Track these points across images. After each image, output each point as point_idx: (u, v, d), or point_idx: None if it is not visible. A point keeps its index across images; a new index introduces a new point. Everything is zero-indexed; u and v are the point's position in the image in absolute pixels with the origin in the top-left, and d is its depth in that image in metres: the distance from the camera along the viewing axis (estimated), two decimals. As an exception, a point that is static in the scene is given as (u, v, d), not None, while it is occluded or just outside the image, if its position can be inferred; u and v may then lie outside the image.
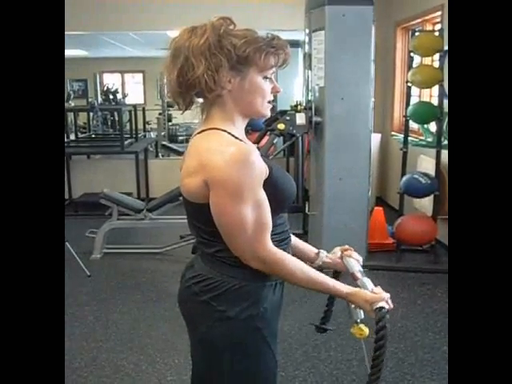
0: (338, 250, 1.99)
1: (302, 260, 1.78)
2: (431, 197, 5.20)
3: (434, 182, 5.08)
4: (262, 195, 1.58)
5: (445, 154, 5.13)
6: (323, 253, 1.97)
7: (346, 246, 1.99)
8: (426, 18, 6.02)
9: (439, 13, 5.50)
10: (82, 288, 4.58)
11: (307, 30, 5.18)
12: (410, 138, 5.53)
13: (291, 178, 1.79)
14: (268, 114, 1.72)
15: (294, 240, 1.93)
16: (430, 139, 5.37)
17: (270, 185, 1.60)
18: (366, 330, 1.69)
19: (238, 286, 1.67)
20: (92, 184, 7.14)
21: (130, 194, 6.55)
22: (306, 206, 5.50)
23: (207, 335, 1.72)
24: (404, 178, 5.29)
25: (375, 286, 1.72)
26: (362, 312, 1.69)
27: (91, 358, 3.50)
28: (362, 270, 1.86)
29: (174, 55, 1.60)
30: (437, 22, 5.85)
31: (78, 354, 3.49)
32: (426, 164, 5.55)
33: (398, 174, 5.66)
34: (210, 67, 1.55)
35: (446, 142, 5.13)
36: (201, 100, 1.67)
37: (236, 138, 1.61)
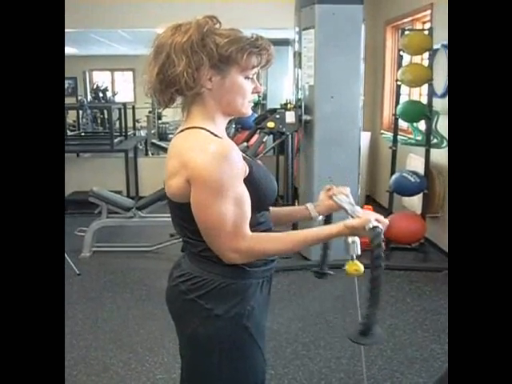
0: (322, 194, 1.96)
1: (297, 221, 1.78)
2: (420, 195, 5.22)
3: (423, 180, 5.10)
4: (242, 190, 1.58)
5: (434, 152, 5.16)
6: (311, 205, 1.96)
7: (327, 186, 1.96)
8: (416, 16, 6.04)
9: (428, 12, 5.52)
10: (71, 286, 4.56)
11: (297, 29, 5.19)
12: (399, 137, 5.55)
13: (272, 177, 1.79)
14: (249, 113, 1.72)
15: (278, 210, 1.94)
16: (419, 138, 5.39)
17: (249, 183, 1.61)
18: (362, 267, 1.69)
19: (225, 284, 1.67)
20: (81, 182, 7.10)
21: (119, 193, 6.52)
22: (296, 204, 5.51)
23: (195, 333, 1.72)
24: (393, 177, 5.31)
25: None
26: (358, 248, 1.69)
27: (80, 357, 3.49)
28: (350, 200, 1.84)
29: (157, 52, 1.60)
30: (426, 21, 5.86)
31: (67, 353, 3.47)
32: (415, 162, 5.57)
33: (387, 172, 5.68)
34: (191, 65, 1.56)
35: (435, 141, 5.15)
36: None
37: (216, 135, 1.61)
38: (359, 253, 1.70)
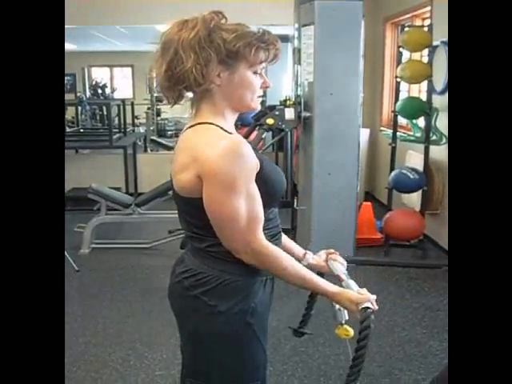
0: (323, 253, 2.00)
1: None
2: (419, 192, 5.22)
3: (422, 177, 5.10)
4: (254, 188, 1.58)
5: (433, 149, 5.16)
6: (309, 254, 1.99)
7: (332, 250, 2.00)
8: (415, 13, 6.03)
9: (428, 8, 5.52)
10: (70, 283, 4.56)
11: (297, 25, 5.20)
12: (398, 134, 5.55)
13: (281, 172, 1.79)
14: (258, 107, 1.72)
15: (284, 237, 1.94)
16: (418, 134, 5.39)
17: (261, 178, 1.60)
18: (351, 331, 1.70)
19: (228, 281, 1.67)
20: (80, 178, 7.09)
21: (118, 189, 6.52)
22: (295, 200, 5.51)
23: (198, 330, 1.73)
24: (392, 173, 5.31)
25: (361, 287, 1.72)
26: (346, 313, 1.71)
27: (79, 353, 3.49)
28: (346, 272, 1.87)
29: (164, 48, 1.59)
30: (426, 18, 5.86)
31: (66, 349, 3.44)
32: (414, 159, 5.57)
33: (386, 169, 5.68)
34: (199, 61, 1.55)
35: (434, 138, 5.16)
36: (190, 94, 1.67)
37: (226, 131, 1.61)
38: (347, 318, 1.71)
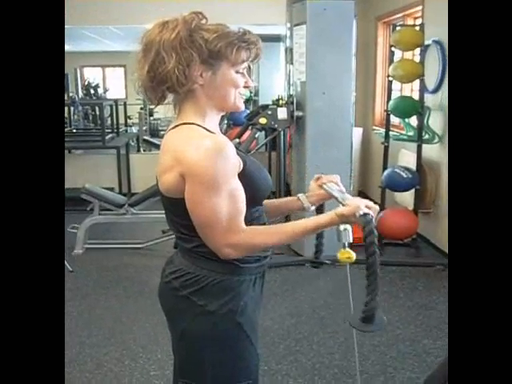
0: (312, 184, 1.95)
1: (290, 212, 1.75)
2: (412, 191, 5.24)
3: (415, 176, 5.11)
4: (237, 185, 1.58)
5: (425, 148, 5.17)
6: (303, 195, 1.94)
7: (316, 175, 1.95)
8: (407, 12, 6.05)
9: (419, 7, 5.53)
10: (64, 283, 4.54)
11: (289, 25, 5.21)
12: (391, 133, 5.56)
13: (266, 172, 1.79)
14: (242, 107, 1.72)
15: (269, 202, 1.92)
16: (411, 133, 5.40)
17: (244, 178, 1.61)
18: (353, 254, 1.66)
19: (217, 281, 1.68)
20: (73, 179, 7.04)
21: (111, 189, 6.52)
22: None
23: (188, 330, 1.73)
24: (385, 173, 5.32)
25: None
26: (350, 235, 1.65)
27: (74, 354, 3.49)
28: (341, 188, 1.83)
29: (146, 49, 1.60)
30: (417, 17, 5.88)
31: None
32: (407, 158, 5.58)
33: (379, 168, 5.69)
34: (181, 61, 1.55)
35: (426, 137, 5.17)
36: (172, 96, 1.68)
37: (209, 131, 1.62)
38: (351, 240, 1.66)
